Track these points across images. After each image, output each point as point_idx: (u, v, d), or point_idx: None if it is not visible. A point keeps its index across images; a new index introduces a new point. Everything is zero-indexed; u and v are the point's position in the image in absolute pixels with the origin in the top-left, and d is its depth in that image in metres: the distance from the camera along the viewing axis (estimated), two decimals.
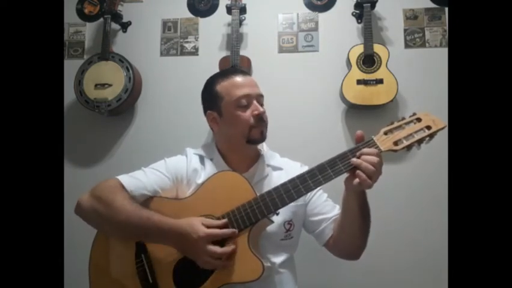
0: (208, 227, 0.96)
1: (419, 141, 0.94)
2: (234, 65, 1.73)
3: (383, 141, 0.94)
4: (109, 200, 1.01)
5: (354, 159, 0.92)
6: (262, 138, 1.12)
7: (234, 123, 1.10)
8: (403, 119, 0.97)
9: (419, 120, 0.96)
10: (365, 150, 0.93)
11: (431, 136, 0.94)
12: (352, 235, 1.05)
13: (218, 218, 1.00)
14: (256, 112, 1.09)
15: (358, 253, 1.10)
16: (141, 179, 1.08)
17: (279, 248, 1.10)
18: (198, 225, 0.96)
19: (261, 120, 1.10)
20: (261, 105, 1.13)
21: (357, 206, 0.99)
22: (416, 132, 0.94)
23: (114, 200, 1.01)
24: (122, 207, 1.00)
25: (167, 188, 1.10)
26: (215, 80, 1.15)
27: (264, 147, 1.21)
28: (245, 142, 1.11)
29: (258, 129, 1.10)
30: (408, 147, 0.94)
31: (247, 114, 1.09)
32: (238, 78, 1.12)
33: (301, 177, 0.97)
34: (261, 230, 1.03)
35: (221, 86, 1.12)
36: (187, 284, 1.00)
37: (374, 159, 0.90)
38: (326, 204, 1.15)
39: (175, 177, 1.12)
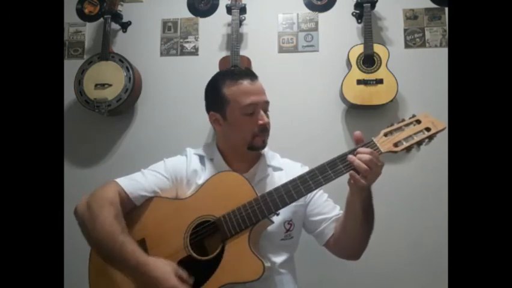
0: (181, 279, 0.93)
1: (419, 143, 0.94)
2: (235, 65, 1.73)
3: (383, 143, 0.95)
4: (95, 213, 0.99)
5: (349, 156, 0.94)
6: (263, 146, 1.13)
7: (238, 129, 1.10)
8: (403, 120, 0.97)
9: (418, 122, 0.96)
10: (360, 149, 0.94)
11: (430, 138, 0.94)
12: (354, 236, 1.05)
13: (218, 219, 1.01)
14: (261, 122, 1.09)
15: (358, 253, 1.11)
16: (140, 180, 1.08)
17: (279, 248, 1.10)
18: (170, 274, 0.93)
19: (264, 129, 1.10)
20: (267, 111, 1.13)
21: (361, 207, 0.99)
22: (415, 134, 0.95)
23: (99, 215, 0.98)
24: (102, 226, 0.97)
25: (167, 189, 1.10)
26: (222, 81, 1.12)
27: None
28: (246, 148, 1.11)
29: (260, 137, 1.10)
30: (408, 149, 0.94)
31: (252, 122, 1.08)
32: (247, 84, 1.09)
33: (302, 178, 0.97)
34: (261, 230, 1.03)
35: (229, 90, 1.09)
36: None
37: (367, 157, 0.91)
38: (326, 205, 1.15)
39: (174, 178, 1.12)
